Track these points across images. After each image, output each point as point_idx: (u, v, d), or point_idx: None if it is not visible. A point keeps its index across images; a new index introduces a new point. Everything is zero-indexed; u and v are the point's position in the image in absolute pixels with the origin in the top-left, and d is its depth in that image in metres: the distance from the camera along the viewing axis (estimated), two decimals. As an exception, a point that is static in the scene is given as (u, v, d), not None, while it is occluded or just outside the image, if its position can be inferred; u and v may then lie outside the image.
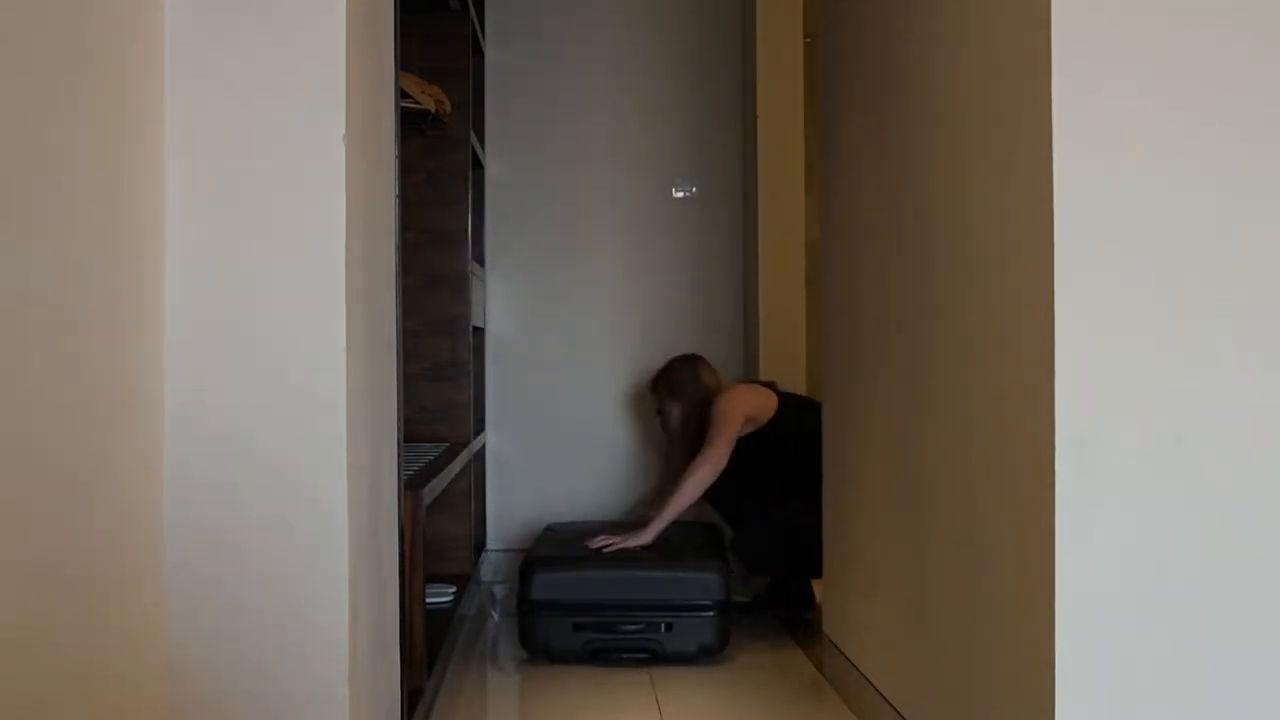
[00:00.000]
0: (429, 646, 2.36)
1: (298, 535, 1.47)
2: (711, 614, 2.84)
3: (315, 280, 1.48)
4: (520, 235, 4.08)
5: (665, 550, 2.95)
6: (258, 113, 1.48)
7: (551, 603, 2.84)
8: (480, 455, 3.88)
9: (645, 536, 3.00)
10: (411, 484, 2.25)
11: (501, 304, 4.09)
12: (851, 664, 2.45)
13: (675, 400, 3.44)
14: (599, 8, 4.10)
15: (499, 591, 3.71)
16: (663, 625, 2.83)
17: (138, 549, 1.39)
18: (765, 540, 3.23)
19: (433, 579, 3.16)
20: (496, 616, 3.40)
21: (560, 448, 4.08)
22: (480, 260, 3.86)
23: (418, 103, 3.06)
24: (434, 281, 3.36)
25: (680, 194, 4.12)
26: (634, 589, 2.86)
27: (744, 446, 3.17)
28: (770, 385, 3.43)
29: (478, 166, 3.74)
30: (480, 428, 3.89)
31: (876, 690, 2.26)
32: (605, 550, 2.95)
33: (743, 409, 3.19)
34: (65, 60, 1.20)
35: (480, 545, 3.88)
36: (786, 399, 3.33)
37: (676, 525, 3.13)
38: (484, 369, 4.02)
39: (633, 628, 2.82)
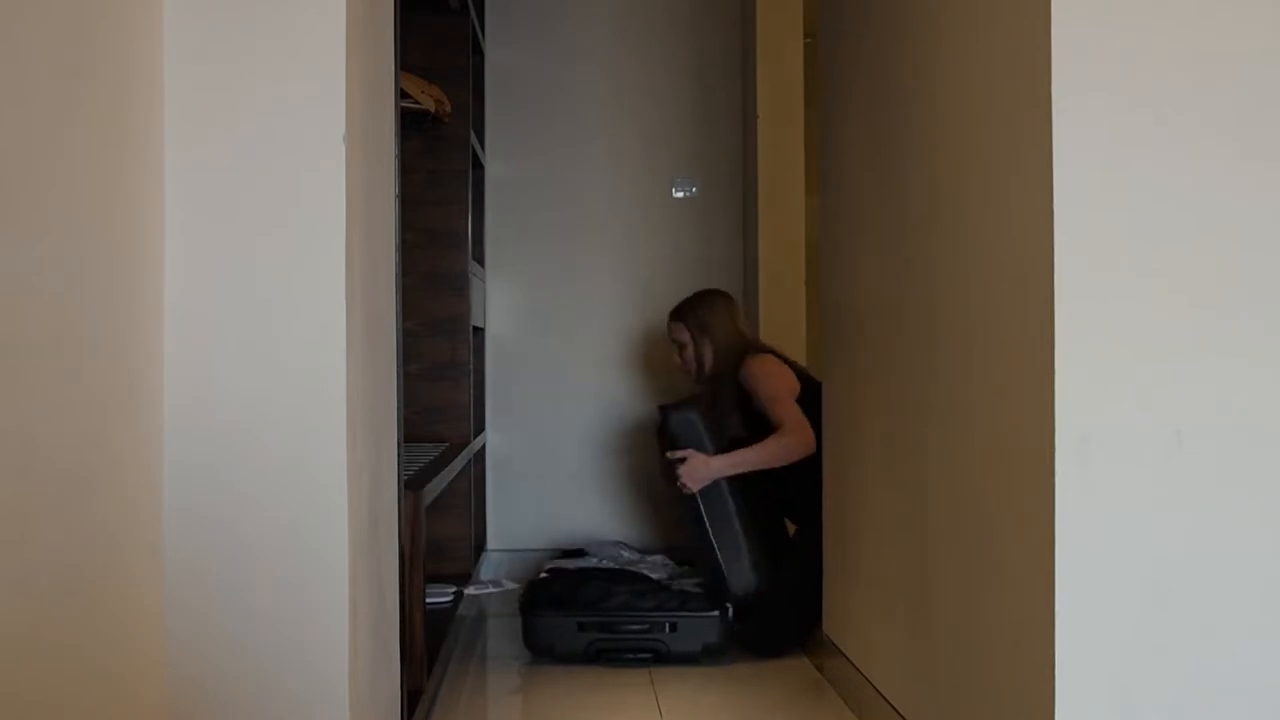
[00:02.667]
0: (429, 646, 2.36)
1: (298, 535, 1.47)
2: (715, 613, 2.84)
3: (315, 280, 1.48)
4: (520, 235, 4.08)
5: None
6: (257, 113, 1.48)
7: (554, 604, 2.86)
8: (480, 455, 3.88)
9: (715, 464, 2.93)
10: (411, 484, 2.25)
11: (501, 304, 4.09)
12: (851, 664, 2.45)
13: (704, 339, 3.25)
14: (599, 8, 4.10)
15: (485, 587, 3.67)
16: (667, 625, 2.82)
17: (138, 548, 1.39)
18: (773, 623, 2.94)
19: (433, 579, 3.16)
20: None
21: (560, 447, 4.08)
22: (480, 260, 3.86)
23: (418, 103, 3.06)
24: (434, 281, 3.36)
25: (680, 194, 4.12)
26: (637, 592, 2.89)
27: (763, 427, 3.04)
28: (780, 354, 3.26)
29: (478, 166, 3.74)
30: (480, 428, 3.89)
31: (876, 690, 2.26)
32: (680, 478, 2.92)
33: (785, 387, 3.05)
34: (65, 59, 1.21)
35: (480, 545, 3.88)
36: (805, 381, 3.13)
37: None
38: (484, 369, 4.02)
39: (636, 628, 2.82)
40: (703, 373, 3.28)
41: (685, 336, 3.29)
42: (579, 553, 3.50)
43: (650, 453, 4.01)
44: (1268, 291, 1.49)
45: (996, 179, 1.66)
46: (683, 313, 3.32)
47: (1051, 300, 1.46)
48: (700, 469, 2.96)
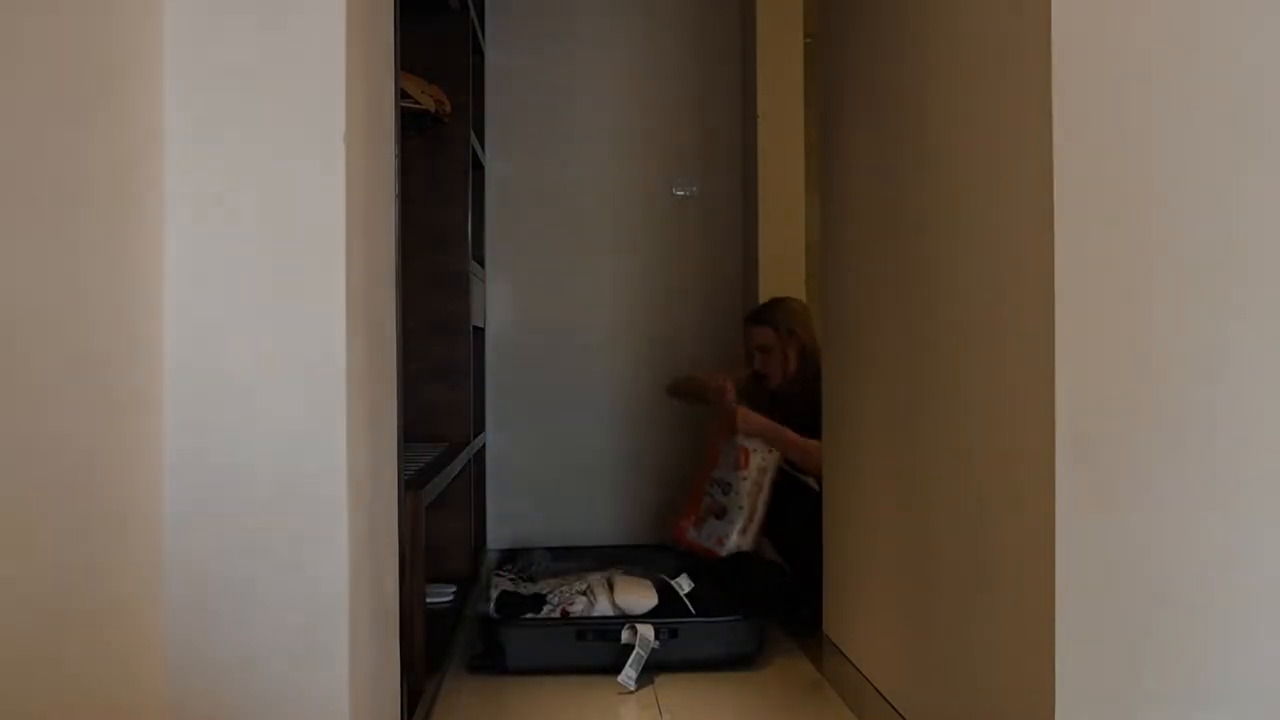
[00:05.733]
0: (429, 646, 2.36)
1: (298, 535, 1.47)
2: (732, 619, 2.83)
3: (315, 280, 1.48)
4: (520, 235, 4.08)
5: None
6: (257, 113, 1.48)
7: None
8: (480, 455, 3.88)
9: (749, 420, 3.05)
10: (411, 484, 2.24)
11: (501, 304, 4.09)
12: (851, 664, 2.45)
13: (792, 342, 3.32)
14: (599, 8, 4.11)
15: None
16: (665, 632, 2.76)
17: (138, 548, 1.39)
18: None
19: (433, 579, 3.16)
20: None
21: (560, 447, 4.08)
22: (480, 260, 3.86)
23: (418, 103, 3.06)
24: (434, 281, 3.35)
25: (680, 194, 4.12)
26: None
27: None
28: None
29: (478, 166, 3.74)
30: (480, 428, 3.89)
31: (876, 690, 2.26)
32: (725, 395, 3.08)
33: None
34: (65, 60, 1.21)
35: (480, 545, 3.88)
36: None
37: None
38: (484, 369, 4.02)
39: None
40: (784, 377, 3.31)
41: (772, 339, 3.32)
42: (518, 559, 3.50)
43: (648, 452, 4.02)
44: (1268, 291, 1.49)
45: (996, 179, 1.66)
46: (770, 317, 3.35)
47: (1052, 300, 1.46)
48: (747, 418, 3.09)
